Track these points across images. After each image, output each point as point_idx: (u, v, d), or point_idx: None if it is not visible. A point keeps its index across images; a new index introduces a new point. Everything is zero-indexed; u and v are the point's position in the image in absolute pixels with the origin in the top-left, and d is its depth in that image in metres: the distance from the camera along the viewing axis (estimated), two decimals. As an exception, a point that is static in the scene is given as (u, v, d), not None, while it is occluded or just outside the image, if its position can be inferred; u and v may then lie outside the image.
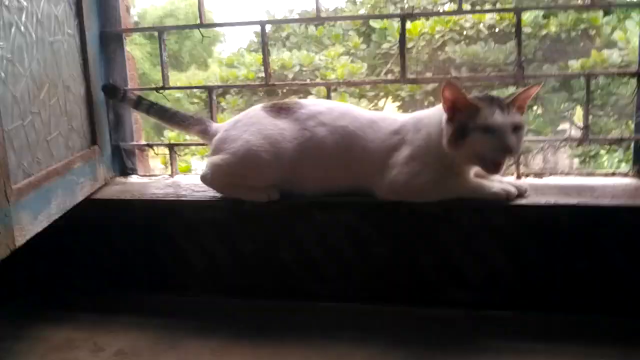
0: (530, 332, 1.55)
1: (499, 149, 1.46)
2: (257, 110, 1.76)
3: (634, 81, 1.73)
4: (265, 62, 1.93)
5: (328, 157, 1.65)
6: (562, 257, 1.58)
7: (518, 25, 1.74)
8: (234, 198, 1.73)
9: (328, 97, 1.96)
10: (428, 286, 1.68)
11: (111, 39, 2.01)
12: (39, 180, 1.54)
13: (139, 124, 2.18)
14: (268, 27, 2.01)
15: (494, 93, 1.54)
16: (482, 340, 1.53)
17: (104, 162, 1.97)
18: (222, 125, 1.81)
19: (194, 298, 1.82)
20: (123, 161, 2.10)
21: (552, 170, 1.84)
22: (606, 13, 4.50)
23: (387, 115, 1.75)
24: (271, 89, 1.94)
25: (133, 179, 2.09)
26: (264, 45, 1.92)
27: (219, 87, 2.09)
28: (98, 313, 1.77)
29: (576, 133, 4.08)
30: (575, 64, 3.97)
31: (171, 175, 2.09)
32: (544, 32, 4.37)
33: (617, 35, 4.35)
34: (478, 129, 1.46)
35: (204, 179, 1.74)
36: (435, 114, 1.61)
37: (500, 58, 4.36)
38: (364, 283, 1.72)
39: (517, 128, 1.47)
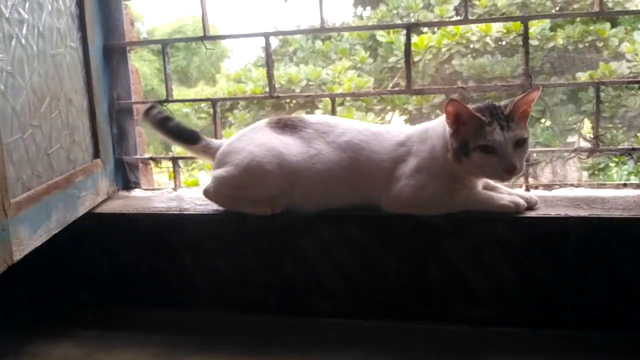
0: (540, 349, 1.50)
1: (501, 170, 1.43)
2: (261, 125, 1.75)
3: (644, 91, 1.69)
4: (269, 74, 1.91)
5: (333, 174, 1.62)
6: (573, 271, 1.53)
7: (525, 34, 1.72)
8: (237, 212, 1.70)
9: (333, 108, 1.94)
10: (435, 301, 1.64)
11: (115, 52, 2.00)
12: (39, 194, 1.52)
13: (143, 138, 2.17)
14: (275, 42, 1.99)
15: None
16: (490, 357, 1.48)
17: (107, 176, 1.95)
18: (225, 140, 1.80)
19: (196, 313, 1.78)
20: (126, 175, 2.09)
21: (562, 183, 1.80)
22: (613, 25, 4.48)
23: (392, 127, 1.73)
24: (278, 103, 1.93)
25: (136, 192, 2.07)
26: (267, 56, 1.91)
27: (222, 99, 2.07)
28: (98, 329, 1.73)
29: (585, 145, 4.05)
30: (582, 76, 3.95)
31: (175, 189, 2.07)
32: (551, 44, 4.36)
33: (625, 47, 4.33)
34: (479, 149, 1.44)
35: (206, 193, 1.72)
36: (439, 125, 1.58)
37: (507, 71, 4.34)
38: (369, 298, 1.68)
39: (519, 142, 1.44)
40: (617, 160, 4.42)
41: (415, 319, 1.65)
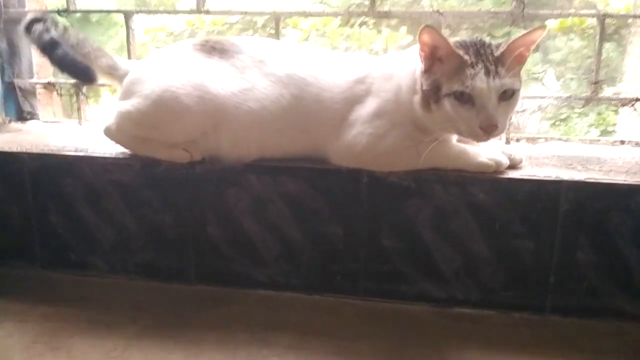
0: (516, 336, 1.28)
1: (477, 126, 1.13)
2: (183, 45, 1.42)
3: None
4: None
5: (270, 115, 1.33)
6: (560, 245, 1.29)
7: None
8: (148, 157, 1.40)
9: (277, 31, 1.61)
10: (392, 276, 1.39)
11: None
12: None
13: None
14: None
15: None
16: (454, 344, 1.25)
17: (-6, 103, 1.60)
18: (137, 62, 1.45)
19: (96, 279, 1.50)
20: (19, 103, 1.72)
21: (548, 137, 1.54)
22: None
23: (350, 57, 1.41)
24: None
25: (31, 125, 1.73)
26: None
27: (139, 11, 1.68)
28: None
29: (549, 94, 4.03)
30: (554, 24, 3.83)
31: (79, 123, 1.71)
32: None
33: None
34: (453, 95, 1.14)
35: (107, 131, 1.40)
36: (408, 59, 1.28)
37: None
38: (311, 268, 1.43)
39: (507, 93, 1.14)
40: (579, 111, 4.33)
41: (366, 295, 1.41)
